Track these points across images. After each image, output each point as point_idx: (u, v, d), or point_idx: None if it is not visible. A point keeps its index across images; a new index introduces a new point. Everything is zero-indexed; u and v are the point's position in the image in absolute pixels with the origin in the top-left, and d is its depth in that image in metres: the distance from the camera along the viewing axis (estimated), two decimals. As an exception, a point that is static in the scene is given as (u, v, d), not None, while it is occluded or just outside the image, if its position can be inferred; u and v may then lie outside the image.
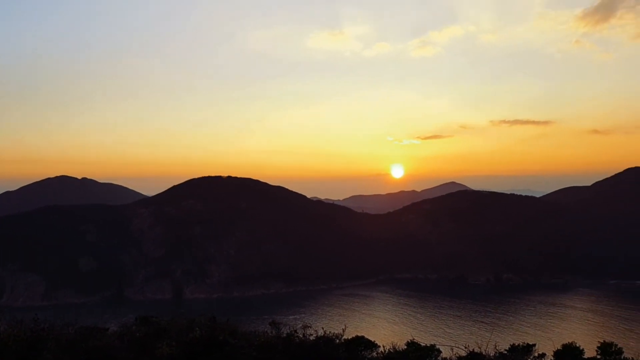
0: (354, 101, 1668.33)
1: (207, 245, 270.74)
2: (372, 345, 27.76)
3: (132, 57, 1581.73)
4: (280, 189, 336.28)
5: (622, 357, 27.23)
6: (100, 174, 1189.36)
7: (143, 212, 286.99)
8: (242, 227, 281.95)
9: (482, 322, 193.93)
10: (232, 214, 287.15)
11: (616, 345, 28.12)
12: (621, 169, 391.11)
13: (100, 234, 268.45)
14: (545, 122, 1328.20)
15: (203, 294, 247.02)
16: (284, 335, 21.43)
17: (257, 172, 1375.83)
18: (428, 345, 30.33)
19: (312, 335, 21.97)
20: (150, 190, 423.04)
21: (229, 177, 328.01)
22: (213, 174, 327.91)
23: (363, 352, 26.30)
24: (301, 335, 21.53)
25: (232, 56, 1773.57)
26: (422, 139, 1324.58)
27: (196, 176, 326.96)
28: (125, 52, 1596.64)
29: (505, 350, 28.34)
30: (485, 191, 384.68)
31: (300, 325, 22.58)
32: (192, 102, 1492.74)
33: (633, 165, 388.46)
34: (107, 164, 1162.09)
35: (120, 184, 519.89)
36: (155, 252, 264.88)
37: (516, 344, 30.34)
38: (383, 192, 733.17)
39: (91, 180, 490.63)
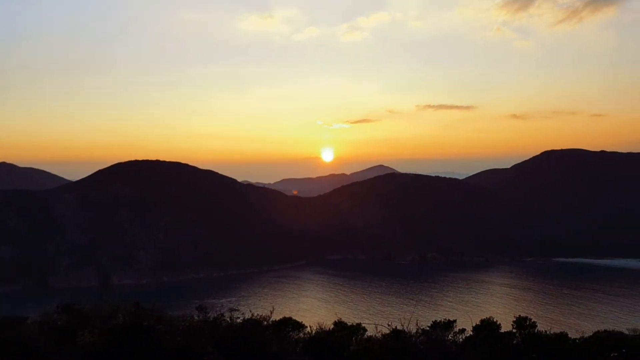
0: (283, 85, 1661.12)
1: (134, 230, 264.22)
2: (300, 326, 28.32)
3: (53, 37, 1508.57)
4: (210, 173, 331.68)
5: (536, 330, 28.70)
6: (19, 158, 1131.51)
7: (67, 197, 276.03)
8: (171, 211, 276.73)
9: (408, 300, 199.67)
10: (160, 199, 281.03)
11: (530, 319, 29.76)
12: (538, 152, 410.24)
13: (22, 221, 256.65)
14: (468, 107, 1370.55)
15: (131, 280, 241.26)
16: (211, 319, 21.51)
17: (186, 156, 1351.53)
18: (354, 324, 31.24)
19: (239, 318, 22.15)
20: (74, 175, 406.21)
21: (157, 160, 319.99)
22: (140, 158, 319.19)
23: (291, 333, 26.79)
24: (228, 319, 21.67)
25: (158, 37, 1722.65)
26: (351, 123, 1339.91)
27: (123, 160, 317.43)
28: (48, 32, 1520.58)
29: (428, 326, 29.48)
30: (412, 174, 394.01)
31: (227, 308, 22.71)
32: (117, 84, 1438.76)
33: (549, 148, 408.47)
34: (27, 148, 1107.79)
35: (42, 168, 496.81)
36: (80, 238, 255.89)
37: (438, 321, 31.63)
38: (313, 176, 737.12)
39: (10, 164, 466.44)
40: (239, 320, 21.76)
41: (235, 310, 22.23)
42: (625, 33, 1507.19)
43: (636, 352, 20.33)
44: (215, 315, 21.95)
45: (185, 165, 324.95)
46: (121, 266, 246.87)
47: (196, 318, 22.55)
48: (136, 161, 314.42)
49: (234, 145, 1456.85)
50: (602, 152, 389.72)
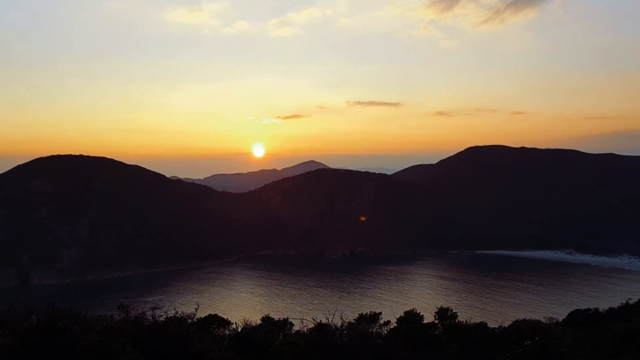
0: (213, 79, 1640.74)
1: (56, 228, 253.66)
2: (225, 322, 28.03)
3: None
4: (137, 168, 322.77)
5: (457, 320, 29.56)
6: None
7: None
8: (96, 208, 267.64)
9: (337, 293, 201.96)
10: (84, 195, 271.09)
11: (451, 310, 30.64)
12: (462, 148, 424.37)
13: None
14: (396, 104, 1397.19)
15: (53, 279, 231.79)
16: (132, 318, 20.90)
17: (111, 151, 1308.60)
18: (281, 319, 31.25)
19: (162, 316, 21.62)
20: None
21: (81, 156, 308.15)
22: (63, 153, 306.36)
23: (216, 330, 26.47)
24: (150, 318, 21.10)
25: (82, 27, 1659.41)
26: (283, 118, 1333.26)
27: (44, 155, 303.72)
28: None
29: (354, 319, 29.82)
30: (342, 169, 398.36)
31: (149, 307, 22.14)
32: (38, 75, 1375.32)
33: (473, 145, 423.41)
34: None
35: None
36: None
37: (364, 313, 32.07)
38: (244, 171, 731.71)
39: None
40: (161, 319, 21.22)
41: (157, 308, 21.67)
42: (544, 34, 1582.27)
43: (549, 340, 21.30)
44: (137, 314, 21.35)
45: (111, 161, 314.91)
46: (42, 265, 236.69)
47: (117, 317, 21.88)
48: (58, 156, 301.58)
49: (162, 140, 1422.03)
50: (522, 148, 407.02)
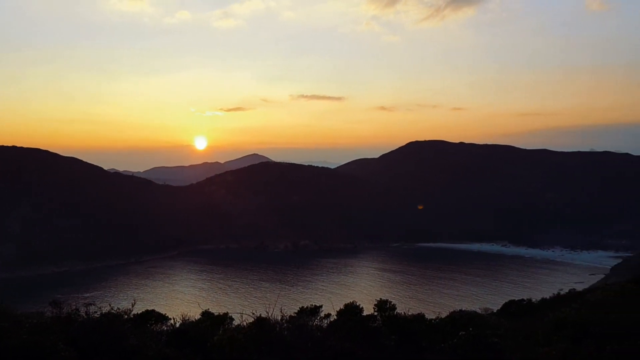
0: (154, 69, 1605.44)
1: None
2: (164, 318, 27.49)
3: None
4: (73, 160, 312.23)
5: (395, 312, 30.01)
6: None
7: None
8: (29, 201, 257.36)
9: (279, 287, 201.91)
10: (16, 188, 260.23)
11: (390, 302, 31.04)
12: (404, 143, 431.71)
13: None
14: (339, 98, 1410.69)
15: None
16: (65, 315, 20.28)
17: (46, 142, 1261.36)
18: (221, 314, 30.91)
19: (96, 312, 21.06)
20: None
21: (14, 147, 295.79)
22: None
23: (153, 326, 25.95)
24: (84, 314, 20.53)
25: (15, 14, 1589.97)
26: (226, 110, 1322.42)
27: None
28: None
29: (295, 313, 29.86)
30: (286, 163, 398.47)
31: (83, 303, 21.52)
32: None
33: (413, 140, 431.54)
34: None
35: None
36: None
37: (305, 307, 32.14)
38: (186, 164, 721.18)
39: None
40: (96, 315, 20.67)
41: (92, 304, 21.10)
42: (483, 32, 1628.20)
43: (483, 330, 21.95)
44: (70, 310, 20.72)
45: (45, 152, 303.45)
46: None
47: (49, 314, 21.18)
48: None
49: (100, 131, 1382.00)
50: (461, 143, 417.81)
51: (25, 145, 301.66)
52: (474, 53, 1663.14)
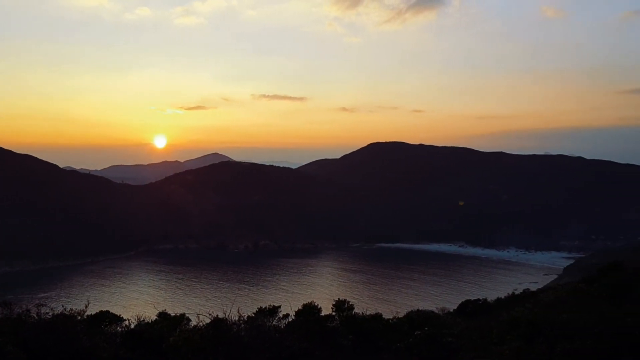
0: (113, 66, 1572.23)
1: None
2: (118, 319, 27.07)
3: None
4: (26, 157, 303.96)
5: (353, 312, 30.19)
6: None
7: None
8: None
9: (238, 287, 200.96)
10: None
11: (348, 302, 31.23)
12: (365, 144, 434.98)
13: None
14: (301, 99, 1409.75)
15: None
16: (15, 316, 19.77)
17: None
18: (178, 315, 30.58)
19: (48, 313, 20.59)
20: None
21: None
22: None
23: (107, 328, 25.53)
24: (35, 315, 20.05)
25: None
26: (186, 109, 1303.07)
27: None
28: None
29: (253, 313, 29.75)
30: (246, 162, 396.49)
31: (34, 304, 21.01)
32: None
33: (375, 141, 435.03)
34: None
35: None
36: None
37: (263, 307, 32.06)
38: (145, 163, 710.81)
39: None
40: (48, 316, 20.21)
41: (43, 305, 20.63)
42: (442, 36, 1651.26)
43: (438, 330, 22.28)
44: (21, 311, 20.21)
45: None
46: None
47: (-2, 316, 20.63)
48: None
49: (56, 128, 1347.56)
50: (421, 145, 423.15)
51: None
52: (434, 56, 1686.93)
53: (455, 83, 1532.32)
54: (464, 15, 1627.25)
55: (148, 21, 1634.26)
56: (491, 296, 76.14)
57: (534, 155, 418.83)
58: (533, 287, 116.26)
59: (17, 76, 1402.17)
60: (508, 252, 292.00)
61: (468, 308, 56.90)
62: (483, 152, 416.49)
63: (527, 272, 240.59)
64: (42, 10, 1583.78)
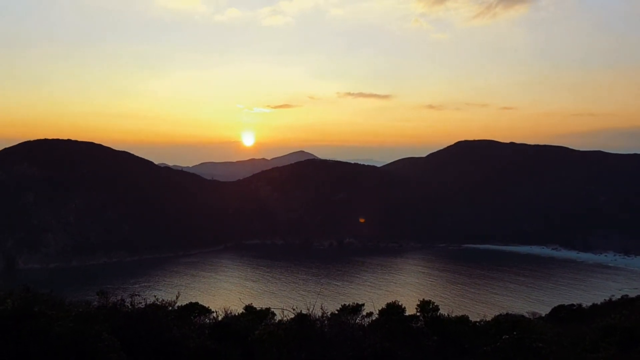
0: (203, 66, 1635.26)
1: (42, 212, 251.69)
2: (206, 311, 27.90)
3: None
4: (125, 154, 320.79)
5: (438, 313, 29.61)
6: None
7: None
8: (83, 193, 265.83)
9: (322, 284, 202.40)
10: (71, 180, 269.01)
11: (433, 302, 30.66)
12: (452, 142, 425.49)
13: None
14: (386, 96, 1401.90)
15: (38, 263, 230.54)
16: (110, 304, 20.75)
17: (100, 135, 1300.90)
18: (263, 309, 31.16)
19: (141, 303, 21.47)
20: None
21: (69, 140, 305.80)
22: (50, 137, 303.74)
23: (196, 319, 26.34)
24: (129, 304, 20.96)
25: (72, 10, 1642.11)
26: (273, 107, 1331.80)
27: (31, 139, 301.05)
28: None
29: (336, 310, 29.81)
30: (332, 160, 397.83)
31: (129, 293, 21.98)
32: (28, 60, 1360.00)
33: (462, 139, 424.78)
34: None
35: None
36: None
37: (347, 305, 32.07)
38: (233, 160, 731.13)
39: None
40: (140, 306, 21.08)
41: (137, 295, 21.52)
42: (535, 30, 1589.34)
43: (527, 335, 21.36)
44: (116, 300, 21.19)
45: (99, 146, 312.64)
46: (27, 250, 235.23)
47: (95, 304, 21.72)
48: (46, 140, 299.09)
49: (151, 126, 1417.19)
50: (512, 143, 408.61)
51: (81, 139, 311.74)
52: (525, 51, 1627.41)
53: (548, 79, 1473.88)
54: (558, 8, 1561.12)
55: (237, 22, 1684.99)
56: (586, 302, 72.64)
57: (635, 155, 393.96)
58: (632, 294, 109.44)
59: (114, 77, 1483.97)
60: (606, 256, 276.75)
61: (561, 313, 54.55)
62: (579, 151, 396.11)
63: (626, 277, 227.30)
64: (137, 14, 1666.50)
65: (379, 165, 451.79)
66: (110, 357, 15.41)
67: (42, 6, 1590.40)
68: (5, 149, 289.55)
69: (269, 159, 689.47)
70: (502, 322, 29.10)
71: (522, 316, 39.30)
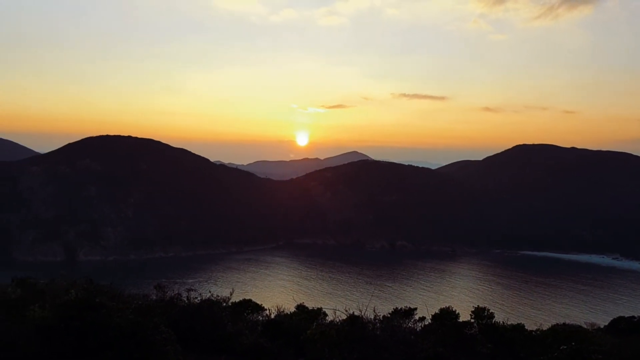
0: (259, 66, 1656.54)
1: (102, 206, 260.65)
2: (259, 308, 28.30)
3: (29, 8, 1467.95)
4: (182, 151, 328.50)
5: (493, 320, 29.10)
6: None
7: (34, 170, 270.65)
8: (141, 188, 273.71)
9: (374, 286, 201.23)
10: (130, 175, 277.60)
11: (488, 309, 30.16)
12: (510, 146, 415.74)
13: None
14: (442, 98, 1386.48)
15: (97, 256, 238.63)
16: (168, 298, 21.31)
17: (158, 132, 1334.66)
18: (315, 308, 31.32)
19: (197, 298, 21.97)
20: (42, 148, 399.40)
21: (129, 137, 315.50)
22: (112, 133, 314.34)
23: (249, 315, 26.74)
24: (185, 299, 21.48)
25: (132, 10, 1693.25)
26: (327, 107, 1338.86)
27: (94, 134, 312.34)
28: (20, 2, 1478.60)
29: (388, 313, 29.68)
30: (385, 161, 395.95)
31: (185, 288, 22.52)
32: (88, 58, 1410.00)
33: (520, 142, 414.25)
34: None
35: (8, 138, 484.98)
36: (47, 212, 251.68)
37: (399, 308, 31.89)
38: (287, 159, 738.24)
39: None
40: (196, 300, 21.57)
41: (193, 290, 22.07)
42: (599, 32, 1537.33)
43: (586, 345, 20.71)
44: (173, 294, 21.75)
45: (157, 143, 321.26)
46: (88, 242, 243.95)
47: (153, 297, 22.35)
48: (107, 136, 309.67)
49: (207, 124, 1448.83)
50: (573, 148, 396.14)
51: (140, 136, 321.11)
52: (589, 54, 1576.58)
53: (613, 83, 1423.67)
54: (624, 9, 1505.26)
55: (293, 22, 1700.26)
56: (648, 315, 69.56)
57: None
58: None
59: (173, 76, 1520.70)
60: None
61: (621, 325, 52.47)
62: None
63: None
64: (197, 14, 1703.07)
65: (433, 167, 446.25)
66: (166, 349, 15.81)
67: (97, 4, 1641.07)
68: (69, 144, 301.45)
69: (322, 158, 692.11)
70: (559, 332, 28.32)
71: (580, 326, 38.05)
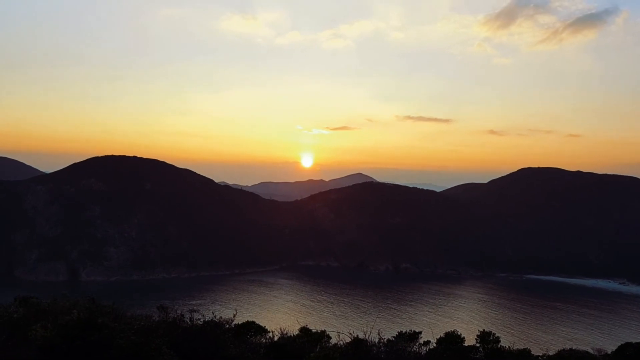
0: (264, 88, 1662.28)
1: (106, 226, 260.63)
2: (262, 330, 27.93)
3: (32, 28, 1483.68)
4: (186, 172, 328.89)
5: (499, 345, 28.69)
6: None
7: (39, 189, 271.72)
8: (145, 209, 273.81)
9: (378, 309, 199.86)
10: (134, 196, 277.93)
11: (494, 334, 29.77)
12: (515, 169, 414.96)
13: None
14: (447, 120, 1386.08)
15: (100, 276, 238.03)
16: (170, 319, 21.10)
17: (163, 153, 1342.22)
18: (319, 331, 30.94)
19: (199, 320, 21.76)
20: (47, 167, 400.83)
21: (134, 157, 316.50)
22: (117, 153, 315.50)
23: (252, 338, 26.42)
24: (188, 320, 21.28)
25: (138, 33, 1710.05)
26: (331, 129, 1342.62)
27: (99, 155, 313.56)
28: (28, 21, 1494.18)
29: (393, 337, 29.31)
30: (390, 183, 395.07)
31: (188, 309, 22.31)
32: (95, 78, 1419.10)
33: (524, 165, 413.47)
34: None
35: (14, 158, 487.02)
36: (50, 231, 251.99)
37: (404, 331, 31.48)
38: (292, 180, 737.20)
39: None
40: (199, 322, 21.36)
41: (196, 311, 21.86)
42: (603, 56, 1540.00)
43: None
44: (175, 315, 21.55)
45: (162, 163, 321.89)
46: (91, 262, 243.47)
47: (155, 318, 22.13)
48: (112, 156, 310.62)
49: (212, 145, 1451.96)
50: (578, 172, 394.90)
51: (145, 156, 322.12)
52: (593, 78, 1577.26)
53: (617, 106, 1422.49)
54: (628, 34, 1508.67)
55: (298, 45, 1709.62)
56: (656, 341, 68.65)
57: None
58: None
59: (178, 96, 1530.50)
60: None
61: (628, 351, 51.78)
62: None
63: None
64: (203, 36, 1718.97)
65: (438, 190, 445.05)
66: (169, 372, 15.62)
67: (106, 24, 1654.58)
68: (74, 164, 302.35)
69: (326, 180, 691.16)
70: (566, 357, 27.94)
71: (587, 352, 37.55)
